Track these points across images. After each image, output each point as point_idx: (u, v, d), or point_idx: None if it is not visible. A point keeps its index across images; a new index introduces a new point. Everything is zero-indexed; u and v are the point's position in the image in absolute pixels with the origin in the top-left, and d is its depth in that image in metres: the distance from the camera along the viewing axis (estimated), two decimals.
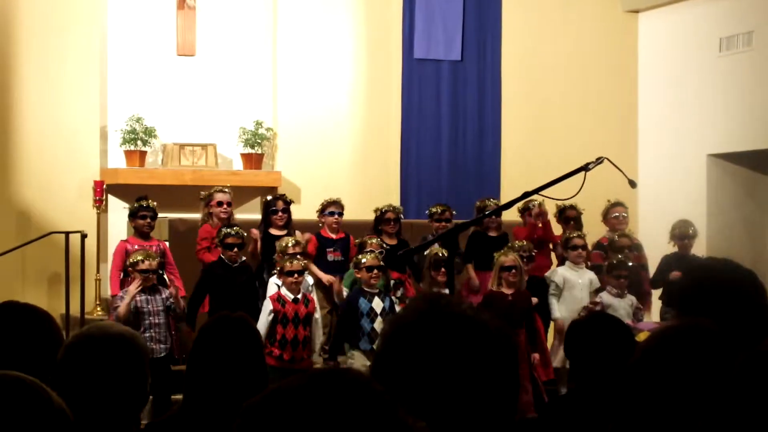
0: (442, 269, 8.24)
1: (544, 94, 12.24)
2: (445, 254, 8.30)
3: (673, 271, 8.92)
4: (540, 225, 9.18)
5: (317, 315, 8.01)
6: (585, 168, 5.34)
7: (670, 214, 10.18)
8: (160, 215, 9.00)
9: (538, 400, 7.96)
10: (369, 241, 8.51)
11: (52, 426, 1.65)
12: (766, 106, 10.96)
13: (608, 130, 12.25)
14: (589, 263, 9.09)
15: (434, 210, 9.24)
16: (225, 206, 8.93)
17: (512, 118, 12.14)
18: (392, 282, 8.50)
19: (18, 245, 9.72)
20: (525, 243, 8.82)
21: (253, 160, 11.19)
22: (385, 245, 8.65)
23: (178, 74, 11.19)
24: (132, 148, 10.78)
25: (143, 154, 10.86)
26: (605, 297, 8.55)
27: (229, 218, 8.88)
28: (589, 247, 9.26)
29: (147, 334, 7.54)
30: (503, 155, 12.11)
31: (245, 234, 8.46)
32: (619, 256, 8.80)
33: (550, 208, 9.22)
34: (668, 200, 11.65)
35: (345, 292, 8.38)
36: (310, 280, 8.45)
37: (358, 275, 8.07)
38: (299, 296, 7.84)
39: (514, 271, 8.15)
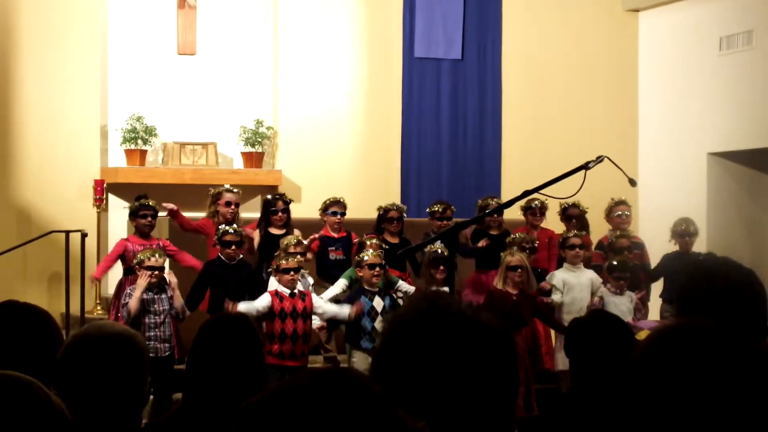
0: (441, 267, 8.23)
1: (544, 93, 12.23)
2: (445, 252, 8.31)
3: (673, 269, 8.92)
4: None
5: (316, 303, 7.92)
6: (585, 167, 5.34)
7: (670, 212, 10.18)
8: (160, 214, 9.00)
9: (528, 402, 7.93)
10: (369, 241, 8.50)
11: (50, 426, 1.65)
12: (765, 105, 10.96)
13: (609, 128, 12.25)
14: (590, 263, 9.08)
15: (435, 208, 9.22)
16: (233, 206, 8.93)
17: (512, 116, 12.14)
18: (394, 280, 8.49)
19: (18, 244, 9.73)
20: (527, 234, 8.81)
21: (253, 159, 11.20)
22: (385, 244, 8.64)
23: (178, 73, 11.19)
24: (132, 147, 10.79)
25: (144, 153, 10.86)
26: (605, 293, 8.53)
27: (234, 219, 8.87)
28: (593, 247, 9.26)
29: (152, 333, 7.54)
30: (503, 154, 12.11)
31: (244, 232, 8.47)
32: (620, 257, 8.77)
33: (553, 207, 9.21)
34: (668, 199, 11.64)
35: (342, 281, 8.37)
36: (310, 279, 8.45)
37: (360, 273, 8.04)
38: (296, 291, 7.82)
39: (519, 271, 8.12)
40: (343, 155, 11.57)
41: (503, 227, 9.31)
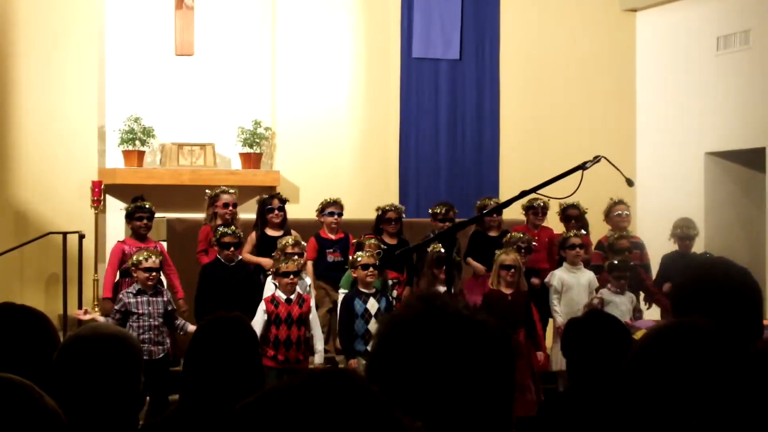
0: (444, 266, 8.21)
1: (542, 93, 12.24)
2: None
3: (674, 269, 8.93)
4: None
5: (312, 315, 7.93)
6: (582, 167, 5.33)
7: (668, 212, 10.19)
8: (158, 215, 8.98)
9: (537, 400, 7.94)
10: (367, 242, 8.49)
11: (44, 428, 1.65)
12: (763, 105, 10.96)
13: (606, 128, 12.26)
14: (590, 263, 9.07)
15: (438, 210, 9.18)
16: (231, 208, 8.93)
17: (511, 117, 12.15)
18: (390, 282, 8.48)
19: (16, 245, 9.72)
20: (523, 234, 8.81)
21: (251, 160, 11.20)
22: (383, 245, 8.63)
23: (176, 74, 11.20)
24: (130, 148, 10.79)
25: (141, 154, 10.86)
26: (605, 294, 8.54)
27: (232, 220, 8.86)
28: (592, 247, 9.26)
29: (146, 336, 7.49)
30: (502, 154, 12.12)
31: (242, 233, 8.46)
32: (620, 256, 8.77)
33: (553, 207, 9.21)
34: (666, 198, 11.65)
35: (343, 294, 8.34)
36: (308, 280, 8.44)
37: (354, 274, 8.03)
38: (293, 296, 7.79)
39: (513, 270, 8.11)
40: (341, 156, 11.57)
41: (502, 228, 9.30)
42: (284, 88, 11.46)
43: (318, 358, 7.89)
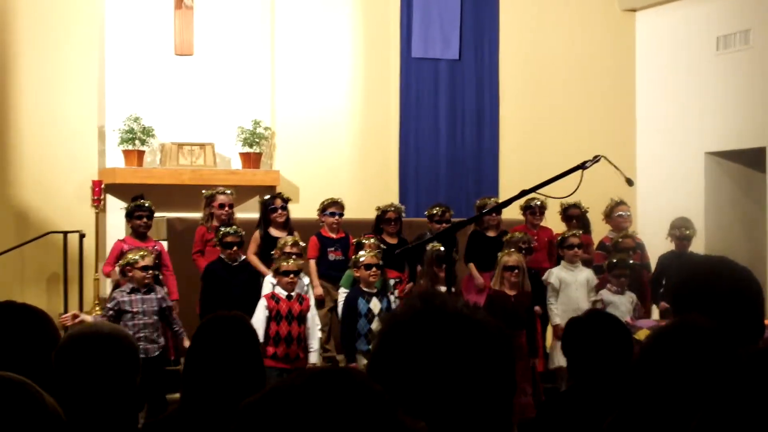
0: (444, 265, 8.20)
1: (541, 93, 12.24)
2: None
3: (670, 270, 8.93)
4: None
5: (311, 314, 7.93)
6: (582, 166, 5.33)
7: (668, 212, 10.19)
8: (158, 214, 8.99)
9: (538, 401, 7.94)
10: (367, 241, 8.50)
11: (43, 427, 1.64)
12: (763, 104, 10.97)
13: (606, 128, 12.26)
14: (592, 263, 9.08)
15: (434, 211, 9.23)
16: (227, 208, 8.94)
17: (510, 116, 12.15)
18: (391, 282, 8.48)
19: (16, 245, 9.72)
20: (524, 234, 8.81)
21: (251, 160, 11.20)
22: (383, 245, 8.64)
23: (176, 74, 11.20)
24: (130, 147, 10.79)
25: (141, 153, 10.86)
26: (605, 294, 8.54)
27: (229, 220, 8.87)
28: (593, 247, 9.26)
29: (141, 334, 7.47)
30: (501, 153, 12.12)
31: (244, 233, 8.46)
32: (620, 255, 8.77)
33: (553, 207, 9.21)
34: (666, 198, 11.66)
35: (343, 294, 8.35)
36: (306, 279, 8.45)
37: (357, 274, 8.04)
38: (293, 294, 7.81)
39: (516, 271, 8.12)
40: (340, 155, 11.57)
41: (501, 227, 9.30)
42: (284, 87, 11.46)
43: (313, 357, 7.84)
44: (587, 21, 12.41)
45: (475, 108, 12.09)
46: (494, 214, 9.01)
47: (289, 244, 8.17)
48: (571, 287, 8.64)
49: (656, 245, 9.67)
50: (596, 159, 5.40)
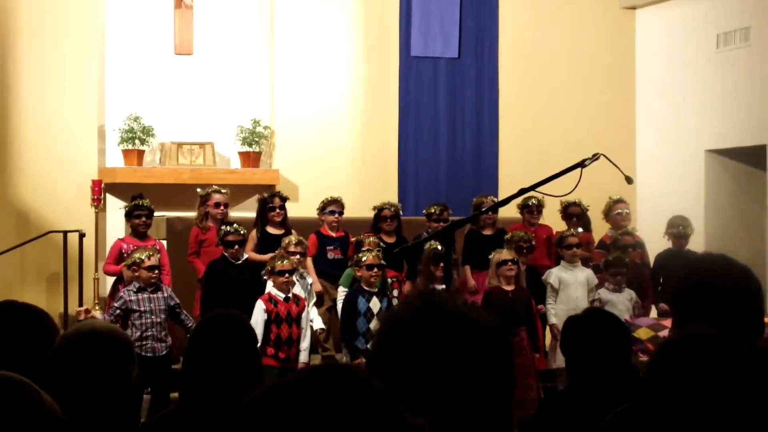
0: (442, 263, 8.20)
1: (541, 91, 12.24)
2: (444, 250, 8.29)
3: (668, 268, 8.93)
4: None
5: (304, 314, 7.90)
6: (581, 164, 5.33)
7: (667, 210, 10.18)
8: (157, 214, 8.99)
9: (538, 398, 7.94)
10: (366, 240, 8.49)
11: (41, 425, 1.64)
12: (763, 102, 10.96)
13: (606, 126, 12.25)
14: (590, 262, 9.07)
15: (432, 210, 9.23)
16: (222, 207, 8.94)
17: (510, 115, 12.14)
18: (389, 281, 8.48)
19: (16, 244, 9.73)
20: (524, 233, 8.80)
21: (250, 159, 11.20)
22: (381, 243, 8.64)
23: (175, 73, 11.20)
24: (130, 147, 10.79)
25: (141, 153, 10.86)
26: (603, 293, 8.54)
27: (223, 219, 8.87)
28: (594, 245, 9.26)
29: (149, 333, 7.49)
30: (501, 152, 12.11)
31: (245, 231, 8.46)
32: (616, 253, 8.77)
33: (553, 205, 9.21)
34: (666, 196, 11.65)
35: (343, 292, 8.34)
36: (309, 279, 8.45)
37: (359, 273, 8.02)
38: (290, 295, 7.78)
39: (510, 264, 8.10)
40: (340, 154, 11.57)
41: (497, 226, 9.30)
42: (283, 86, 11.45)
43: (303, 356, 7.77)
44: (587, 19, 12.40)
45: (474, 106, 12.08)
46: (490, 213, 8.99)
47: (294, 243, 8.16)
48: (571, 287, 8.63)
49: (656, 243, 9.67)
50: (595, 157, 5.39)
